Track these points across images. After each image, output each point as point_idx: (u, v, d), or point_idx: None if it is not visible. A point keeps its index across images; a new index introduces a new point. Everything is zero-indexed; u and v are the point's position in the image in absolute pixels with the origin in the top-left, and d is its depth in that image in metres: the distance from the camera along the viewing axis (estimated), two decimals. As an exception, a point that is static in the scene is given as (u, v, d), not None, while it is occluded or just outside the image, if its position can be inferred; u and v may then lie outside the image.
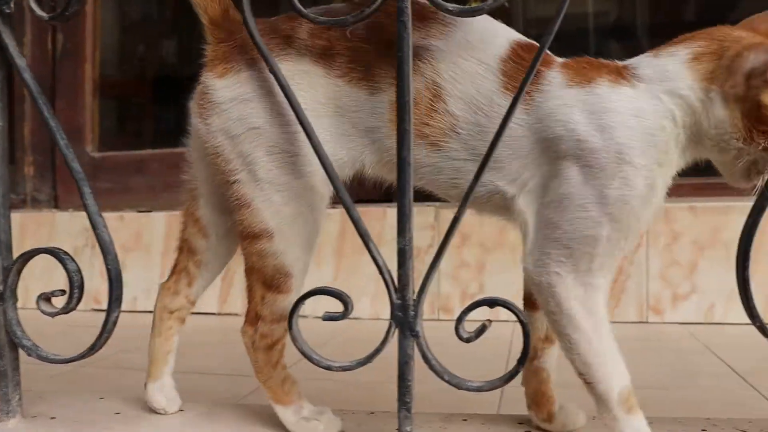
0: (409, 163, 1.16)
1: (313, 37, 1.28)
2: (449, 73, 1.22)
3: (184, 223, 1.49)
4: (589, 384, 1.18)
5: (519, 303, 1.24)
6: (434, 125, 1.23)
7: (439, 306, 2.78)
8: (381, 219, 2.83)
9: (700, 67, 1.15)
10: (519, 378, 1.28)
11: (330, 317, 1.23)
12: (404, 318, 1.20)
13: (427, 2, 1.23)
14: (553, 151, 1.18)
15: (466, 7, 1.16)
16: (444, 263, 2.76)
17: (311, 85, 1.27)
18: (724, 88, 1.12)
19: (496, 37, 1.24)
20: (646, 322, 2.78)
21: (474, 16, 1.17)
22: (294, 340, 1.25)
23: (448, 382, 1.21)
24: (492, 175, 1.22)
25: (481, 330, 1.18)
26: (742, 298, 1.14)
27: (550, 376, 1.37)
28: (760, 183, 1.15)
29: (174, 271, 1.51)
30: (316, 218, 1.31)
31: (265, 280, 1.30)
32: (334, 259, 2.99)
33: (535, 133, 1.19)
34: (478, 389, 1.20)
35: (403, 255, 1.18)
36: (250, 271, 1.32)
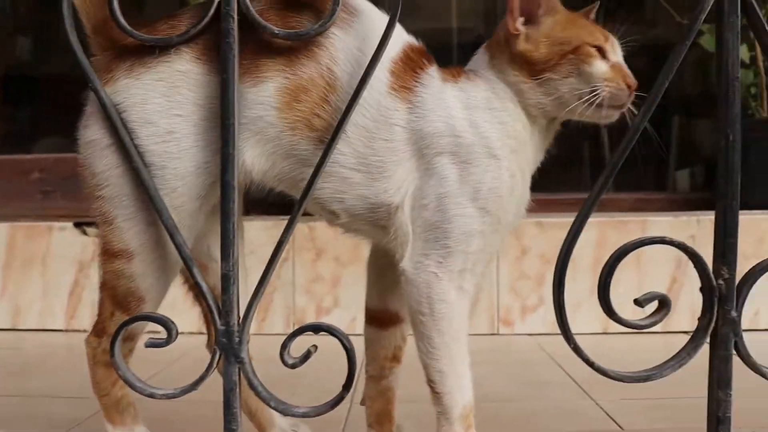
0: (233, 187, 1.14)
1: (194, 35, 1.20)
2: (346, 64, 1.20)
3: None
4: (436, 394, 1.20)
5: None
6: (325, 118, 1.20)
7: (294, 320, 2.74)
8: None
9: (491, 52, 1.29)
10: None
11: (152, 344, 1.19)
12: (229, 345, 1.17)
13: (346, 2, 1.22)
14: (432, 147, 1.20)
15: (291, 31, 1.15)
16: (298, 277, 2.76)
17: (190, 86, 1.22)
18: (504, 55, 1.26)
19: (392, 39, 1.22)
20: (497, 334, 2.85)
21: (300, 40, 1.16)
22: (116, 366, 1.20)
23: (274, 408, 1.20)
24: (380, 185, 1.21)
25: (306, 356, 1.17)
26: (557, 318, 1.18)
27: (395, 396, 1.39)
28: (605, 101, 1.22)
29: None
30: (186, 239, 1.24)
31: (117, 299, 1.27)
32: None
33: (416, 131, 1.21)
34: (304, 415, 1.19)
35: (228, 280, 1.16)
36: (103, 286, 1.29)
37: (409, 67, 1.24)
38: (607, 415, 1.84)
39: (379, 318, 1.36)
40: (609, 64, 1.24)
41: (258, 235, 2.38)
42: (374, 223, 1.25)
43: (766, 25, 1.13)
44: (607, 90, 1.21)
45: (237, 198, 1.15)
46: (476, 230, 1.19)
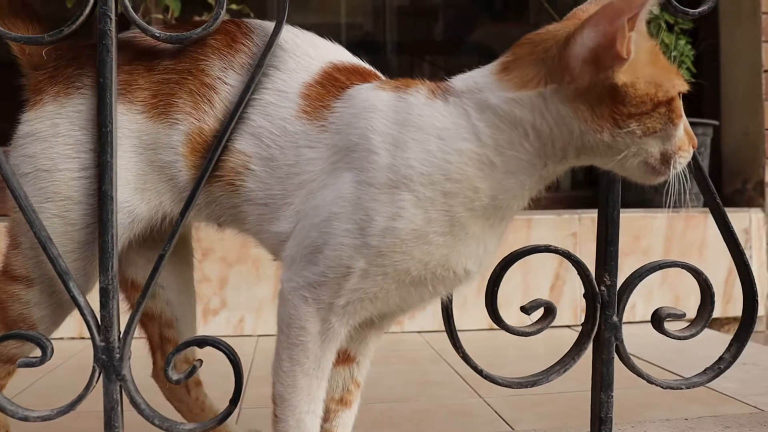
0: (111, 197, 1.08)
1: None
2: (246, 109, 1.11)
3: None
4: (275, 417, 1.12)
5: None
6: (225, 164, 1.12)
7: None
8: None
9: (514, 75, 1.01)
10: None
11: (26, 363, 1.13)
12: (109, 361, 1.12)
13: (245, 23, 1.15)
14: (342, 162, 1.05)
15: (173, 34, 1.10)
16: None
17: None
18: (561, 85, 0.98)
19: (309, 62, 1.14)
20: (387, 332, 2.86)
21: (182, 43, 1.11)
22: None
23: (159, 426, 1.15)
24: (283, 214, 1.10)
25: (191, 371, 1.14)
26: (446, 328, 1.19)
27: None
28: (672, 170, 1.01)
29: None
30: (90, 274, 1.17)
31: (7, 321, 1.19)
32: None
33: (330, 147, 1.07)
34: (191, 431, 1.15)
35: (106, 294, 1.10)
36: None
37: (331, 86, 1.11)
38: (496, 413, 1.87)
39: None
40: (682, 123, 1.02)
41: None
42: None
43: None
44: (682, 162, 1.01)
45: (115, 210, 1.09)
46: (358, 267, 1.02)
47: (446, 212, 1.01)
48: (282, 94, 1.11)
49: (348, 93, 1.09)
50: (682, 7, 1.22)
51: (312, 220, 1.05)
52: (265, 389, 1.15)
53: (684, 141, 1.00)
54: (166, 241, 1.09)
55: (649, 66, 0.97)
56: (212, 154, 1.08)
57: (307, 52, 1.15)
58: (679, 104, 0.98)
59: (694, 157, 1.13)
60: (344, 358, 1.22)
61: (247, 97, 1.09)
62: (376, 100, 1.06)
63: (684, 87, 0.99)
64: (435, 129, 1.01)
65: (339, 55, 1.17)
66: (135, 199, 1.14)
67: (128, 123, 1.13)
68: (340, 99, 1.09)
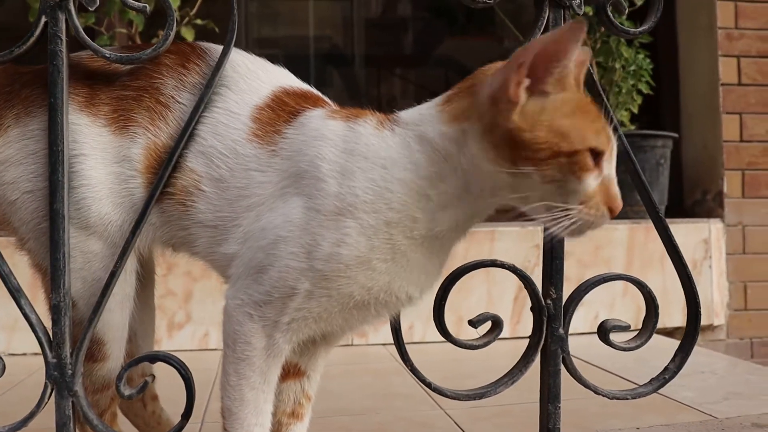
0: (63, 216, 1.09)
1: (76, 85, 1.15)
2: (198, 127, 1.13)
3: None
4: (225, 431, 1.13)
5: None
6: (177, 181, 1.14)
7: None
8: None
9: (450, 108, 1.05)
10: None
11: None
12: (61, 378, 1.13)
13: (199, 46, 1.18)
14: (291, 187, 1.08)
15: (124, 55, 1.12)
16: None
17: (74, 135, 1.14)
18: (475, 122, 1.01)
19: (260, 85, 1.16)
20: (352, 345, 2.88)
21: (133, 63, 1.13)
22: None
23: (110, 440, 1.16)
24: (231, 236, 1.12)
25: (143, 386, 1.15)
26: (395, 342, 1.21)
27: None
28: (568, 223, 0.99)
29: None
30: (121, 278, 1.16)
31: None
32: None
33: (280, 172, 1.10)
34: (145, 446, 1.16)
35: (58, 311, 1.11)
36: None
37: (281, 110, 1.13)
38: (456, 424, 1.89)
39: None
40: (599, 180, 1.00)
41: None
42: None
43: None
44: (582, 217, 0.99)
45: (67, 228, 1.10)
46: (303, 288, 1.05)
47: (388, 240, 1.04)
48: (233, 116, 1.14)
49: (299, 120, 1.12)
50: (623, 27, 1.26)
51: (259, 242, 1.08)
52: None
53: (596, 201, 0.99)
54: (117, 258, 1.10)
55: (561, 116, 0.98)
56: (164, 170, 1.11)
57: (258, 76, 1.18)
58: (586, 160, 0.97)
59: (634, 170, 1.17)
60: (295, 372, 1.25)
61: (198, 114, 1.11)
62: (326, 129, 1.09)
63: (600, 144, 0.98)
64: (380, 159, 1.05)
65: (288, 79, 1.20)
66: (113, 214, 1.15)
67: (95, 136, 1.15)
68: (291, 125, 1.12)
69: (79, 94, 1.16)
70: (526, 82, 0.98)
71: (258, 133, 1.12)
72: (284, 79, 1.20)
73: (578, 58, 1.01)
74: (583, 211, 0.98)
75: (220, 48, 1.17)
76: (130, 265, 1.18)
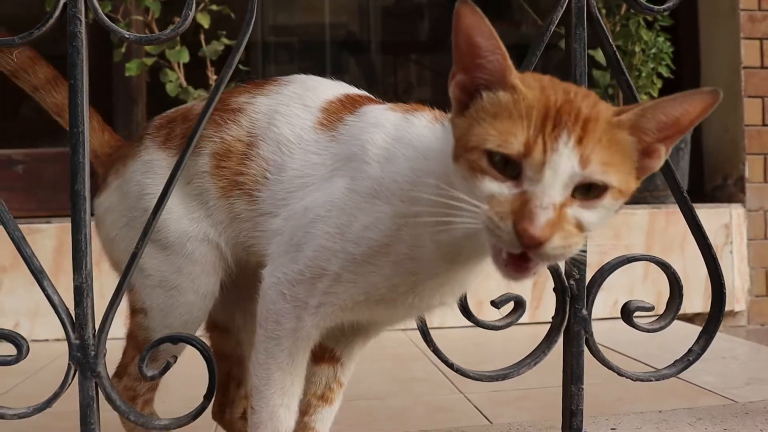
0: (84, 197, 1.10)
1: (160, 128, 1.29)
2: (268, 120, 1.18)
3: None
4: (251, 409, 1.15)
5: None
6: (250, 171, 1.18)
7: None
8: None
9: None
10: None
11: (1, 362, 1.14)
12: (84, 359, 1.13)
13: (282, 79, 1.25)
14: (340, 169, 1.10)
15: (143, 35, 1.12)
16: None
17: (153, 171, 1.26)
18: None
19: (334, 86, 1.23)
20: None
21: (152, 44, 1.13)
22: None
23: (134, 421, 1.17)
24: (279, 211, 1.16)
25: (166, 367, 1.16)
26: (418, 327, 1.20)
27: None
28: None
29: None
30: (192, 302, 1.24)
31: (137, 345, 1.28)
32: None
33: (333, 155, 1.13)
34: (165, 427, 1.17)
35: (80, 293, 1.12)
36: (129, 336, 1.32)
37: (349, 104, 1.17)
38: (476, 408, 1.89)
39: (313, 351, 1.20)
40: (511, 190, 0.88)
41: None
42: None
43: (609, 36, 1.19)
44: (482, 220, 0.88)
45: (88, 209, 1.11)
46: (332, 270, 1.06)
47: (416, 236, 1.02)
48: (307, 109, 1.19)
49: (362, 109, 1.16)
50: (647, 4, 1.24)
51: (300, 220, 1.11)
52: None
53: (499, 210, 0.87)
54: (140, 237, 1.11)
55: (483, 113, 0.92)
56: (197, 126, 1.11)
57: (332, 83, 1.25)
58: (479, 162, 0.89)
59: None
60: (330, 357, 1.27)
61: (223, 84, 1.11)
62: (383, 117, 1.13)
63: (498, 141, 0.88)
64: (425, 149, 1.05)
65: (356, 90, 1.25)
66: (192, 229, 1.23)
67: (167, 168, 1.22)
68: (354, 114, 1.16)
69: (160, 135, 1.28)
70: (460, 77, 0.95)
71: (324, 122, 1.16)
72: (353, 90, 1.25)
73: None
74: (485, 214, 0.87)
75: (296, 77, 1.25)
76: (213, 263, 1.24)
